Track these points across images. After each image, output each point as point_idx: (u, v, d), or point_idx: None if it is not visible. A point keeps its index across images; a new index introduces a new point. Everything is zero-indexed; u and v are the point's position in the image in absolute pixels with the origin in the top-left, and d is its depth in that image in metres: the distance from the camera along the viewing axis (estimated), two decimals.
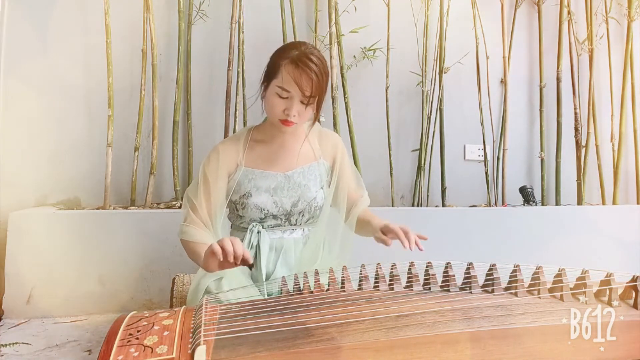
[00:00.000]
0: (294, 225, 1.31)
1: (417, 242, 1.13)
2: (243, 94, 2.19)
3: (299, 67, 1.16)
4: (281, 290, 1.00)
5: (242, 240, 1.27)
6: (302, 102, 1.19)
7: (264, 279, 1.20)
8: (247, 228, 1.28)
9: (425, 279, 0.98)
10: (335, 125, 2.24)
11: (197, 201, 1.23)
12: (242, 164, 1.28)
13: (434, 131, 2.45)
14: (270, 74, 1.22)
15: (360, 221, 1.35)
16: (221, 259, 0.99)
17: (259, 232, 1.27)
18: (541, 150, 2.56)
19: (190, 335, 0.79)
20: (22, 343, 1.58)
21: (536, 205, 2.45)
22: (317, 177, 1.32)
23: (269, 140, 1.32)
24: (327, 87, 1.24)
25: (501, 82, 2.58)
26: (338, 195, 1.36)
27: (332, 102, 2.25)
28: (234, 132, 2.15)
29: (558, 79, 2.55)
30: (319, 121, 1.37)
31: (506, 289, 0.93)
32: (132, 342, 0.78)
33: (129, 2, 2.15)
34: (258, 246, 1.25)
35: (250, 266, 1.04)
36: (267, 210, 1.27)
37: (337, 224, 1.38)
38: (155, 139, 2.13)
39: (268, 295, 1.13)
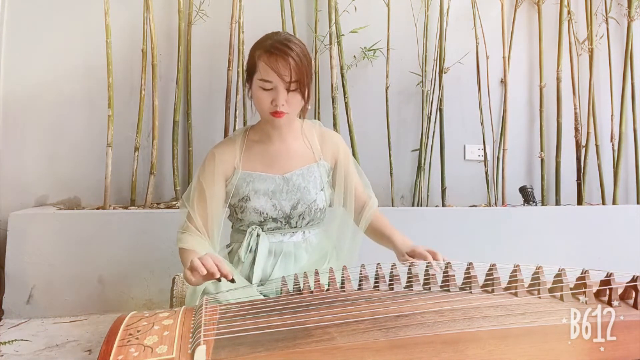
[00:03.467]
0: (294, 228, 1.29)
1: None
2: (243, 94, 2.19)
3: (274, 54, 1.14)
4: (281, 290, 1.00)
5: (240, 243, 1.27)
6: (286, 90, 1.17)
7: (257, 282, 1.19)
8: (247, 231, 1.27)
9: (425, 279, 0.98)
10: (335, 125, 2.24)
11: (191, 208, 1.22)
12: (239, 167, 1.26)
13: (434, 131, 2.45)
14: (250, 70, 1.21)
15: (377, 229, 1.32)
16: (202, 276, 0.98)
17: (258, 235, 1.25)
18: (541, 150, 2.56)
19: (190, 335, 0.79)
20: (22, 340, 1.58)
21: (536, 205, 2.45)
22: (317, 178, 1.29)
23: (265, 140, 1.29)
24: (310, 71, 1.21)
25: (501, 82, 2.58)
26: (346, 197, 1.33)
27: (332, 102, 2.25)
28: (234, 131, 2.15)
29: (558, 79, 2.55)
30: (318, 118, 1.36)
31: (506, 289, 0.93)
32: (132, 342, 0.78)
33: (129, 2, 2.15)
34: (256, 249, 1.24)
35: (231, 281, 1.02)
36: (267, 214, 1.25)
37: (346, 229, 1.36)
38: (155, 139, 2.13)
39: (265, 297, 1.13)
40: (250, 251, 1.25)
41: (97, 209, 2.04)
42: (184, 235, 1.20)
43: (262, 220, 1.26)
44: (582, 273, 0.90)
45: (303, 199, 1.26)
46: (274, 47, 1.15)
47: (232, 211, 1.31)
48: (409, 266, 1.01)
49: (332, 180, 1.35)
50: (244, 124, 2.18)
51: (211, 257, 1.00)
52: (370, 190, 1.41)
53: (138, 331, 0.81)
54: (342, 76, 2.28)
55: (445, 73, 2.41)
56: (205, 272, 0.97)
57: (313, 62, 2.25)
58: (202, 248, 1.17)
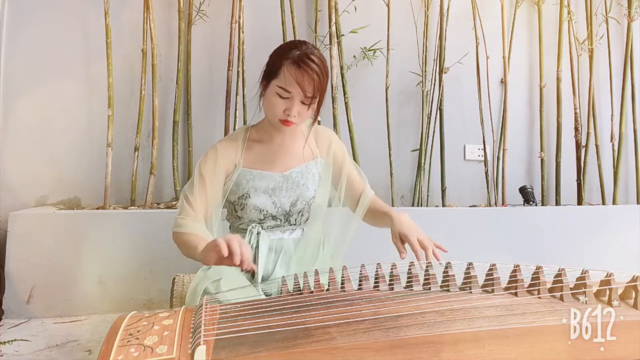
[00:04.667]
0: (294, 225, 1.30)
1: (435, 254, 1.11)
2: (243, 94, 2.19)
3: (301, 68, 1.15)
4: (281, 290, 1.00)
5: None
6: (302, 103, 1.19)
7: (260, 280, 1.20)
8: (247, 229, 1.28)
9: (425, 279, 0.98)
10: (335, 125, 2.24)
11: (192, 197, 1.22)
12: (240, 164, 1.28)
13: (434, 131, 2.45)
14: (270, 73, 1.21)
15: (374, 211, 1.33)
16: (225, 255, 0.97)
17: (258, 232, 1.26)
18: (541, 150, 2.56)
19: (190, 335, 0.79)
20: (21, 340, 1.58)
21: (536, 205, 2.45)
22: (315, 175, 1.31)
23: (267, 140, 1.31)
24: (328, 87, 1.24)
25: (501, 82, 2.58)
26: (342, 187, 1.34)
27: (332, 102, 2.25)
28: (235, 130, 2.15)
29: (558, 79, 2.55)
30: (318, 122, 1.37)
31: (506, 289, 0.92)
32: (132, 342, 0.78)
33: (129, 2, 2.15)
34: (257, 247, 1.24)
35: (252, 274, 1.03)
36: (266, 211, 1.26)
37: (332, 224, 1.38)
38: (155, 139, 2.13)
39: (267, 296, 1.13)
40: (251, 249, 1.25)
41: (97, 209, 2.04)
42: (184, 220, 1.20)
43: (262, 217, 1.27)
44: (582, 273, 0.90)
45: (302, 195, 1.28)
46: (302, 60, 1.16)
47: (231, 209, 1.32)
48: (409, 266, 1.01)
49: (328, 175, 1.35)
50: (244, 123, 2.18)
51: (237, 239, 0.99)
52: (366, 182, 1.42)
53: (138, 331, 0.81)
54: (342, 76, 2.28)
55: (445, 73, 2.41)
56: (227, 253, 0.96)
57: None
58: (203, 232, 1.17)
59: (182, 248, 1.19)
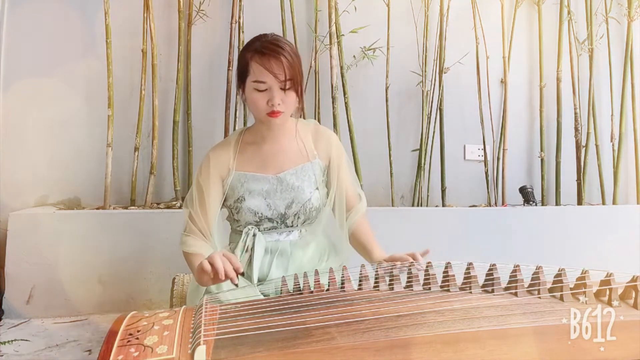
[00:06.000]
0: (290, 227, 1.29)
1: (417, 255, 1.11)
2: None
3: (266, 55, 1.16)
4: (281, 290, 1.00)
5: (237, 243, 1.27)
6: (282, 89, 1.18)
7: (256, 281, 1.20)
8: (243, 231, 1.27)
9: (425, 279, 0.98)
10: (335, 125, 2.24)
11: (194, 210, 1.24)
12: (233, 168, 1.28)
13: (434, 131, 2.45)
14: (242, 73, 1.22)
15: (358, 240, 1.33)
16: (212, 277, 1.00)
17: (254, 234, 1.26)
18: (541, 150, 2.56)
19: (190, 335, 0.80)
20: (22, 340, 1.58)
21: (536, 205, 2.45)
22: (311, 177, 1.29)
23: (260, 141, 1.30)
24: (302, 69, 1.23)
25: (501, 82, 2.58)
26: (334, 196, 1.33)
27: (332, 102, 2.25)
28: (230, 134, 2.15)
29: (558, 79, 2.55)
30: (318, 121, 1.36)
31: (506, 289, 0.92)
32: (132, 342, 0.78)
33: (129, 2, 2.15)
34: (253, 249, 1.24)
35: (241, 274, 1.04)
36: (262, 214, 1.26)
37: (335, 226, 1.37)
38: (155, 139, 2.13)
39: (266, 297, 1.13)
40: (246, 251, 1.25)
41: (97, 209, 2.04)
42: (188, 238, 1.22)
43: (258, 220, 1.27)
44: (582, 273, 0.90)
45: (297, 198, 1.26)
46: (265, 47, 1.17)
47: (229, 212, 1.32)
48: (409, 266, 1.01)
49: (327, 179, 1.34)
50: (244, 124, 2.17)
51: (219, 256, 1.01)
52: (360, 189, 1.41)
53: (138, 331, 0.81)
54: (342, 76, 2.28)
55: (445, 73, 2.41)
56: (212, 275, 1.00)
57: (313, 62, 2.27)
58: (207, 251, 1.18)
59: (188, 265, 1.22)
